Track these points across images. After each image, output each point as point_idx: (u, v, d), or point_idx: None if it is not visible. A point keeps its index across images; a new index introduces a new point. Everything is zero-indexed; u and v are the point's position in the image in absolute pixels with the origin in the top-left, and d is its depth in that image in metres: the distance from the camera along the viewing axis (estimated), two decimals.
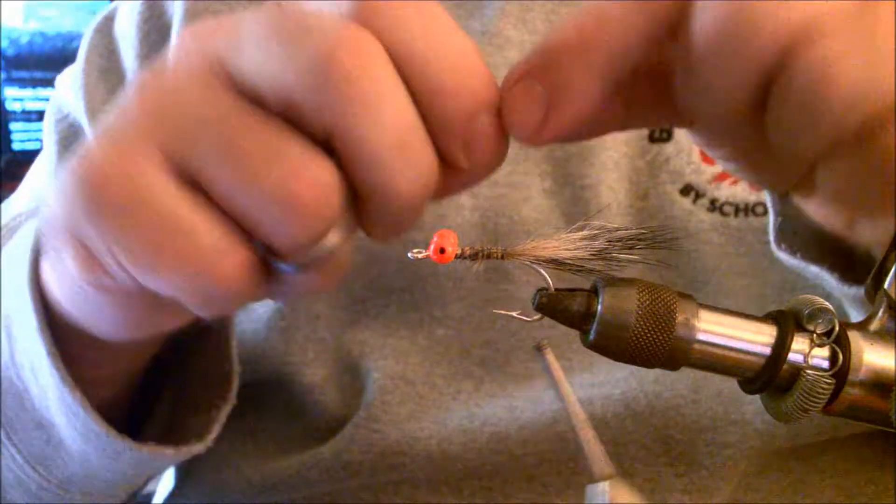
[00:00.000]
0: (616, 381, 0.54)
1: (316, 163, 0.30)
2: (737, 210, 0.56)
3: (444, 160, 0.32)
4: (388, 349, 0.57)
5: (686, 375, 0.54)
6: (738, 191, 0.56)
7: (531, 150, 0.57)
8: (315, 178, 0.29)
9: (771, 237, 0.45)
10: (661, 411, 0.54)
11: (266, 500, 0.58)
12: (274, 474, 0.58)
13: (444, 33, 0.31)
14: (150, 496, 0.75)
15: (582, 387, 0.55)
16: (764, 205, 0.55)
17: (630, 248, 0.33)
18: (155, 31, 0.64)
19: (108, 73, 0.66)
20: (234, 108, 0.30)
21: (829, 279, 0.43)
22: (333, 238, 0.31)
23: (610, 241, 0.33)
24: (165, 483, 0.69)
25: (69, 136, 0.66)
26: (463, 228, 0.56)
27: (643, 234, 0.33)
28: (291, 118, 0.30)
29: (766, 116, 0.30)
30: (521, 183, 0.57)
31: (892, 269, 0.30)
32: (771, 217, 0.44)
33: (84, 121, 0.65)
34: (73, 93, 0.66)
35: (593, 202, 0.56)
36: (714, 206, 0.56)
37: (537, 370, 0.56)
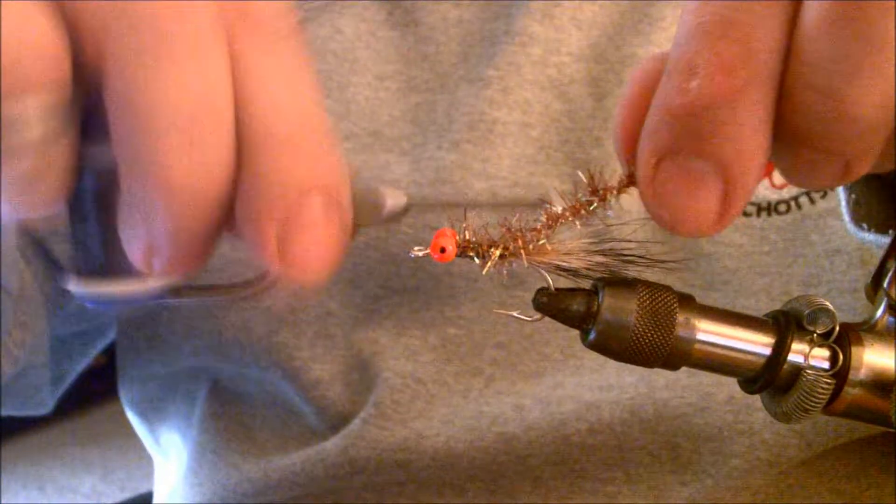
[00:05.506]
0: (625, 385, 0.54)
1: None
2: (759, 210, 0.55)
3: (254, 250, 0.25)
4: (400, 348, 0.57)
5: (696, 383, 0.53)
6: (760, 189, 0.55)
7: (551, 152, 0.57)
8: None
9: (846, 219, 0.40)
10: (668, 419, 0.53)
11: (268, 499, 0.58)
12: (276, 471, 0.58)
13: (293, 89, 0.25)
14: (149, 496, 0.75)
15: (591, 389, 0.54)
16: (787, 202, 0.55)
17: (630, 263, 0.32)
18: None
19: None
20: None
21: None
22: None
23: (614, 254, 0.32)
24: (165, 483, 0.69)
25: None
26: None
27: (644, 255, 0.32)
28: None
29: None
30: (541, 185, 0.57)
31: (892, 269, 0.30)
32: (842, 196, 0.40)
33: None
34: None
35: (614, 207, 0.55)
36: None
37: (548, 368, 0.56)
